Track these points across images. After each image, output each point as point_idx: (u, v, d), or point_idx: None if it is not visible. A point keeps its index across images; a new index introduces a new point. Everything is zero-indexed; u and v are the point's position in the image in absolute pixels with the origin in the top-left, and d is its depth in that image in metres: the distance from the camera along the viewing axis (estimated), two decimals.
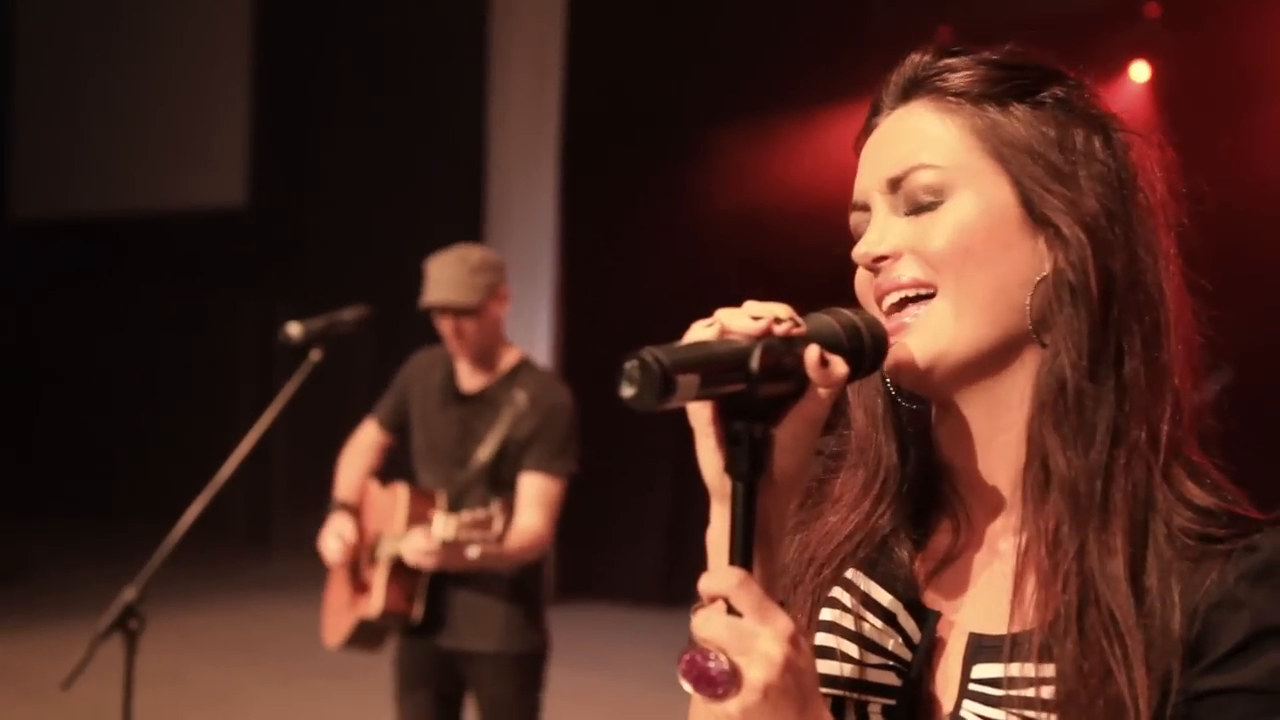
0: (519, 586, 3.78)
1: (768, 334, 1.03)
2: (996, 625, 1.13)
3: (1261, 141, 6.74)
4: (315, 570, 11.33)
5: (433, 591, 3.78)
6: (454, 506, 3.73)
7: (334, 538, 3.84)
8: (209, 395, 12.06)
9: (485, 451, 3.73)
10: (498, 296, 3.76)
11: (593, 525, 9.50)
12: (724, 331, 1.04)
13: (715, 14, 8.66)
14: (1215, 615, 1.05)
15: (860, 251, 1.18)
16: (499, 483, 3.74)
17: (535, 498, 3.70)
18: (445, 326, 3.79)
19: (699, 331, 1.05)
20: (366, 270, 9.88)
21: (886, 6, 7.94)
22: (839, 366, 1.06)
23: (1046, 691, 1.06)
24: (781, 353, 1.03)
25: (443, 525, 3.53)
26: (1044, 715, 1.06)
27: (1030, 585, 1.11)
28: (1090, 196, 1.13)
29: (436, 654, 3.82)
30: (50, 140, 13.34)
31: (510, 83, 9.70)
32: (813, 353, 1.04)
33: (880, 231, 1.17)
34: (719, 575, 1.01)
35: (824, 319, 1.09)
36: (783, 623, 0.99)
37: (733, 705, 0.97)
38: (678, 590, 9.11)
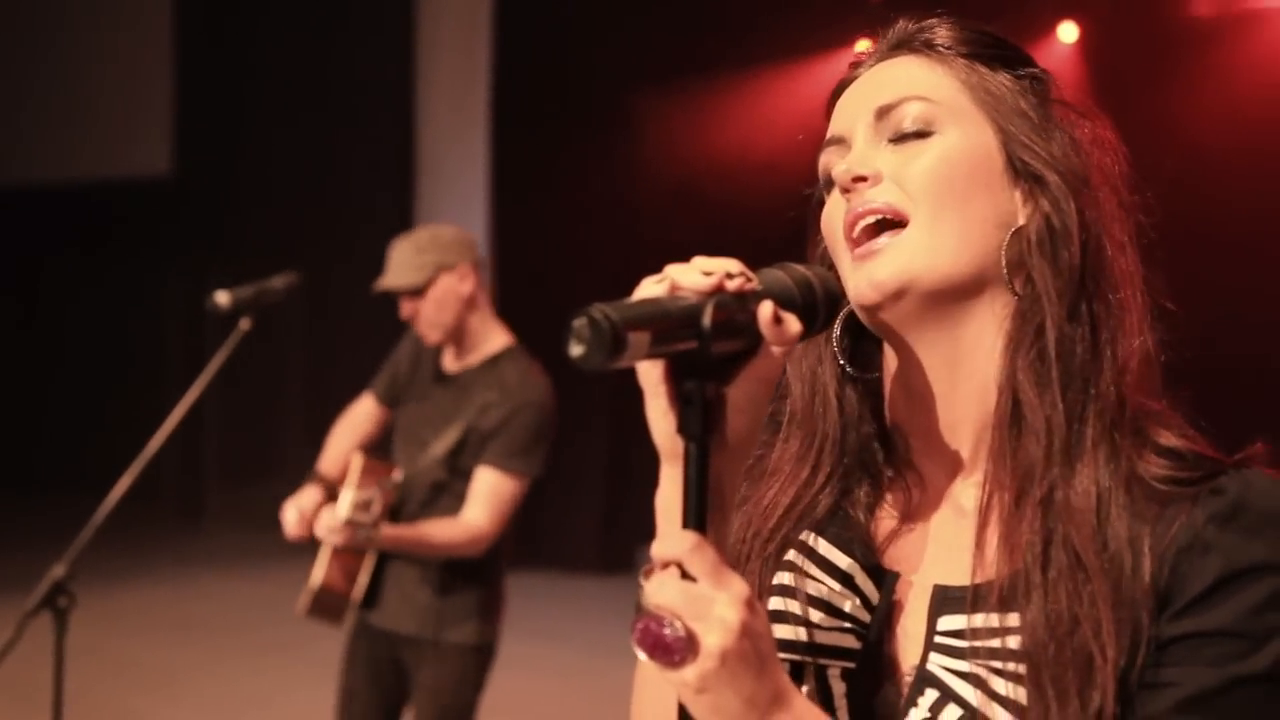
0: (467, 574, 3.68)
1: (719, 290, 1.00)
2: (960, 578, 1.12)
3: (1191, 100, 6.81)
4: (249, 544, 11.23)
5: (379, 570, 3.71)
6: (409, 485, 3.68)
7: (291, 509, 3.70)
8: (138, 367, 11.91)
9: (448, 438, 3.65)
10: (453, 273, 3.68)
11: (528, 494, 9.48)
12: (674, 288, 1.01)
13: None
14: (1184, 560, 1.04)
15: (841, 169, 1.16)
16: (457, 470, 3.66)
17: (484, 493, 3.60)
18: (403, 310, 3.76)
19: (648, 288, 1.02)
20: (297, 240, 9.77)
21: None
22: (793, 324, 1.03)
23: (1012, 641, 1.05)
24: (734, 309, 1.00)
25: (343, 503, 3.50)
26: (1011, 665, 1.05)
27: (994, 535, 1.10)
28: (1065, 159, 1.15)
29: (379, 635, 3.75)
30: None
31: (439, 49, 9.59)
32: (766, 309, 1.01)
33: (861, 154, 1.17)
34: (673, 539, 0.98)
35: (776, 274, 1.07)
36: (738, 586, 0.96)
37: (689, 672, 0.94)
38: (615, 557, 9.12)
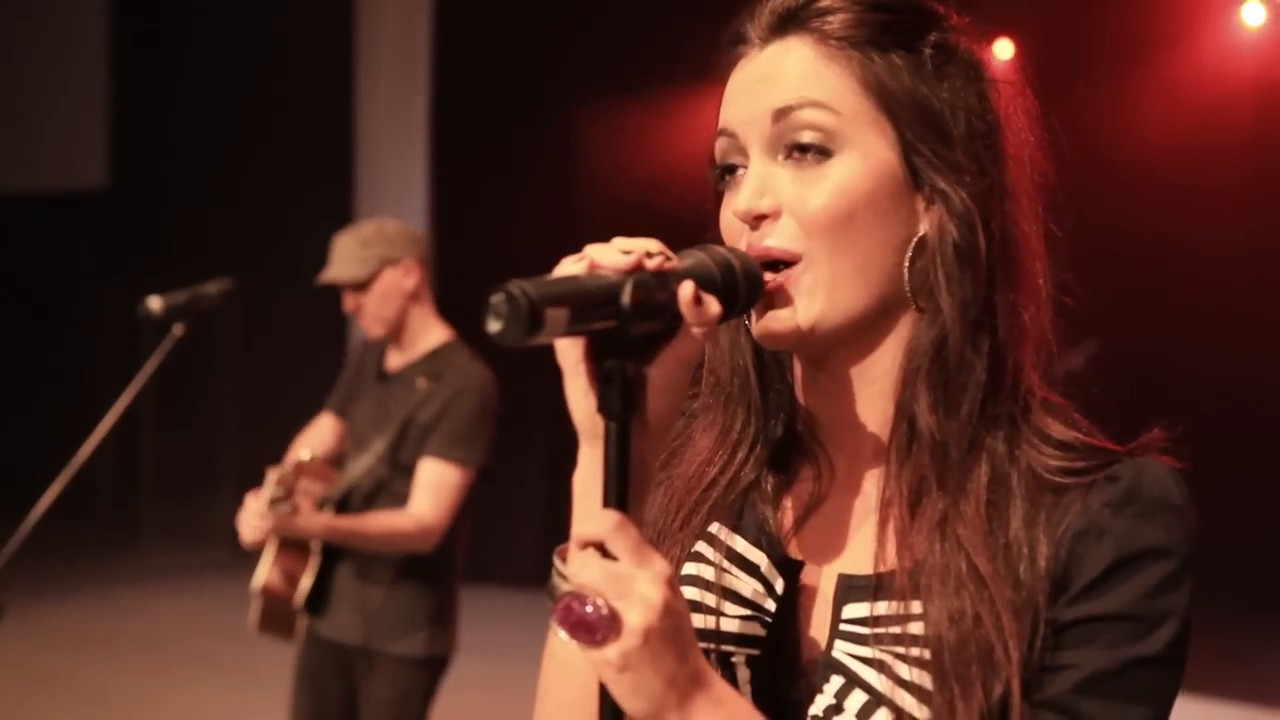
0: (416, 582, 3.61)
1: (639, 268, 1.00)
2: (865, 566, 1.13)
3: (1127, 113, 6.90)
4: (185, 559, 11.05)
5: (326, 576, 3.64)
6: (354, 485, 3.63)
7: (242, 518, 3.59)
8: (71, 378, 11.77)
9: (388, 434, 3.59)
10: (398, 267, 3.64)
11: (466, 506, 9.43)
12: (594, 266, 1.01)
13: None
14: (1080, 545, 1.06)
15: (743, 209, 1.13)
16: (399, 466, 3.60)
17: (427, 484, 3.53)
18: (346, 303, 3.72)
19: (568, 266, 1.02)
20: (235, 252, 9.67)
21: None
22: (712, 305, 1.03)
23: (915, 627, 1.06)
24: (654, 288, 0.99)
25: (267, 489, 3.45)
26: (915, 650, 1.06)
27: (893, 535, 1.11)
28: (968, 154, 1.13)
29: (327, 646, 3.67)
30: None
31: (378, 59, 9.56)
32: (687, 289, 1.01)
33: (760, 183, 1.13)
34: (594, 519, 0.98)
35: (698, 255, 1.06)
36: (660, 565, 0.97)
37: (612, 651, 0.94)
38: None
